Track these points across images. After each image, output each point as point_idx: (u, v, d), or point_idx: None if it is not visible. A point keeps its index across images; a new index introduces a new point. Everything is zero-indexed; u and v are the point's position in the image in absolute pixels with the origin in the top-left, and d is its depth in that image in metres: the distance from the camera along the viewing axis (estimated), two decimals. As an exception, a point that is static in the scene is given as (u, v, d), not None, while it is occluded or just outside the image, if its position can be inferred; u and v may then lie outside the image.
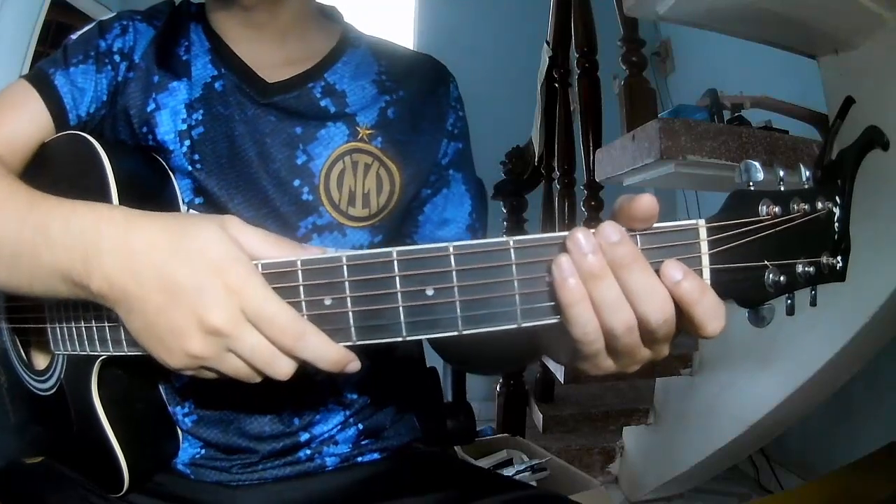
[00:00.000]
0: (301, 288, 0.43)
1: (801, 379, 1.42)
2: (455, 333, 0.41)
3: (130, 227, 0.44)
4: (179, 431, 0.64)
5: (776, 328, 1.46)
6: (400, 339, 0.42)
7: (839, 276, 0.40)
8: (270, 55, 0.68)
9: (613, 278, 0.38)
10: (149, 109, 0.65)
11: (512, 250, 0.40)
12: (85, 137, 0.59)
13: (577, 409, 1.97)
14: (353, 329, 0.42)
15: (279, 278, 0.43)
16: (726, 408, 1.66)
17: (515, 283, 0.40)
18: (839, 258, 0.40)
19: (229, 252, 0.43)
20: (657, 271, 0.38)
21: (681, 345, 1.83)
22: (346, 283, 0.42)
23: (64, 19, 2.44)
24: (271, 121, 0.66)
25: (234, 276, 0.42)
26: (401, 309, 0.41)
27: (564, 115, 2.22)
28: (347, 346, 0.43)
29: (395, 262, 0.41)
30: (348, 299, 0.42)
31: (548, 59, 2.33)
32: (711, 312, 0.38)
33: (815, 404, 1.60)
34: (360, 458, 0.69)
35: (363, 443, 0.69)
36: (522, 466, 1.63)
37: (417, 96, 0.71)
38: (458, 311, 0.40)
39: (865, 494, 1.34)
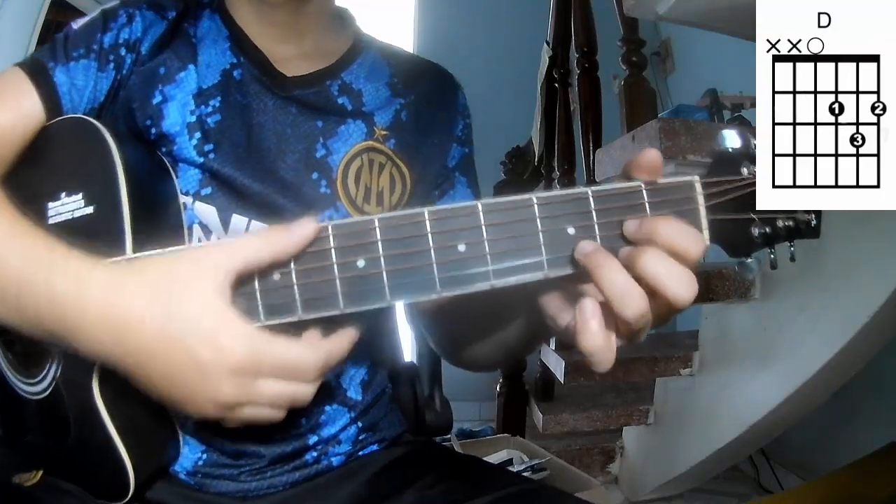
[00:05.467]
0: (332, 251, 0.43)
1: (801, 379, 1.42)
2: (487, 287, 0.42)
3: (115, 295, 0.43)
4: (180, 433, 0.62)
5: (776, 328, 1.44)
6: (434, 295, 0.43)
7: (814, 232, 0.44)
8: (288, 50, 0.68)
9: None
10: (155, 102, 0.63)
11: (535, 206, 0.42)
12: (88, 120, 0.57)
13: (577, 409, 1.97)
14: (386, 289, 0.43)
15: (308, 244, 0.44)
16: (726, 408, 1.65)
17: (540, 236, 0.42)
18: (813, 216, 0.44)
19: (223, 319, 0.42)
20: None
21: (680, 345, 1.83)
22: (379, 244, 0.42)
23: (64, 19, 2.44)
24: (292, 112, 0.66)
25: (235, 351, 0.42)
26: (434, 266, 0.42)
27: (564, 115, 2.22)
28: (379, 308, 0.44)
29: (427, 221, 0.42)
30: (381, 259, 0.42)
31: (548, 59, 2.33)
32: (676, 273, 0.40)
33: (815, 404, 1.60)
34: (360, 452, 0.69)
35: (362, 437, 0.69)
36: (522, 466, 1.64)
37: (428, 101, 0.72)
38: (490, 264, 0.42)
39: (865, 494, 1.34)
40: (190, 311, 0.42)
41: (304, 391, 0.45)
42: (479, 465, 0.70)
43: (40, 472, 0.61)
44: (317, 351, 0.45)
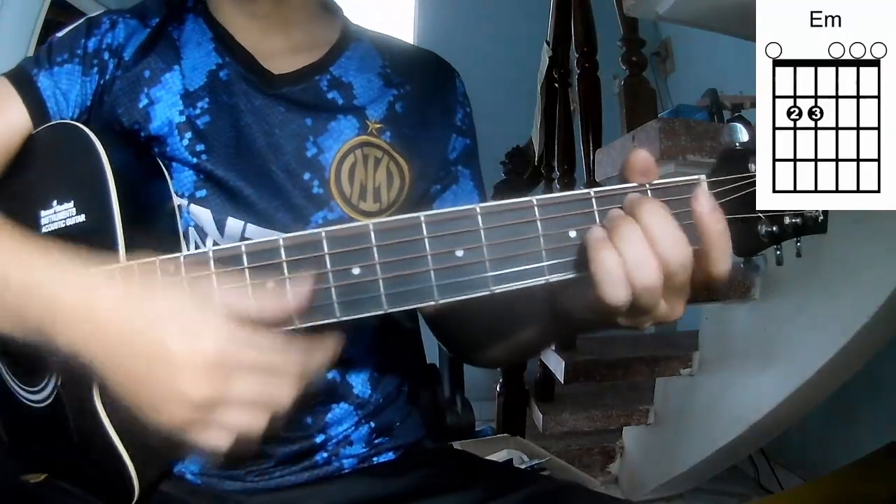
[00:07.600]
0: (327, 258, 0.42)
1: (801, 379, 1.42)
2: (487, 293, 0.41)
3: (94, 285, 0.44)
4: None
5: (776, 328, 1.44)
6: (431, 302, 0.42)
7: (821, 227, 0.43)
8: (274, 45, 0.67)
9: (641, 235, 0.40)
10: (141, 105, 0.63)
11: (536, 208, 0.41)
12: (76, 126, 0.57)
13: (577, 409, 1.97)
14: (383, 297, 0.42)
15: (301, 250, 0.42)
16: (726, 408, 1.66)
17: (541, 240, 0.41)
18: (820, 212, 0.43)
19: (203, 309, 0.41)
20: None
21: (681, 345, 1.83)
22: (375, 250, 0.41)
23: (64, 19, 2.44)
24: (280, 111, 0.65)
25: (210, 340, 0.40)
26: (431, 273, 0.41)
27: (564, 115, 2.22)
28: (377, 315, 0.42)
29: (424, 226, 0.41)
30: (377, 266, 0.41)
31: (548, 59, 2.33)
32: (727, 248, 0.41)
33: (815, 404, 1.60)
34: (375, 459, 0.67)
35: (377, 441, 0.68)
36: (522, 466, 1.63)
37: (424, 91, 0.71)
38: (489, 270, 0.41)
39: (865, 494, 1.34)
40: (168, 298, 0.42)
41: (283, 392, 0.42)
42: (502, 468, 0.69)
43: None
44: (296, 346, 0.42)
